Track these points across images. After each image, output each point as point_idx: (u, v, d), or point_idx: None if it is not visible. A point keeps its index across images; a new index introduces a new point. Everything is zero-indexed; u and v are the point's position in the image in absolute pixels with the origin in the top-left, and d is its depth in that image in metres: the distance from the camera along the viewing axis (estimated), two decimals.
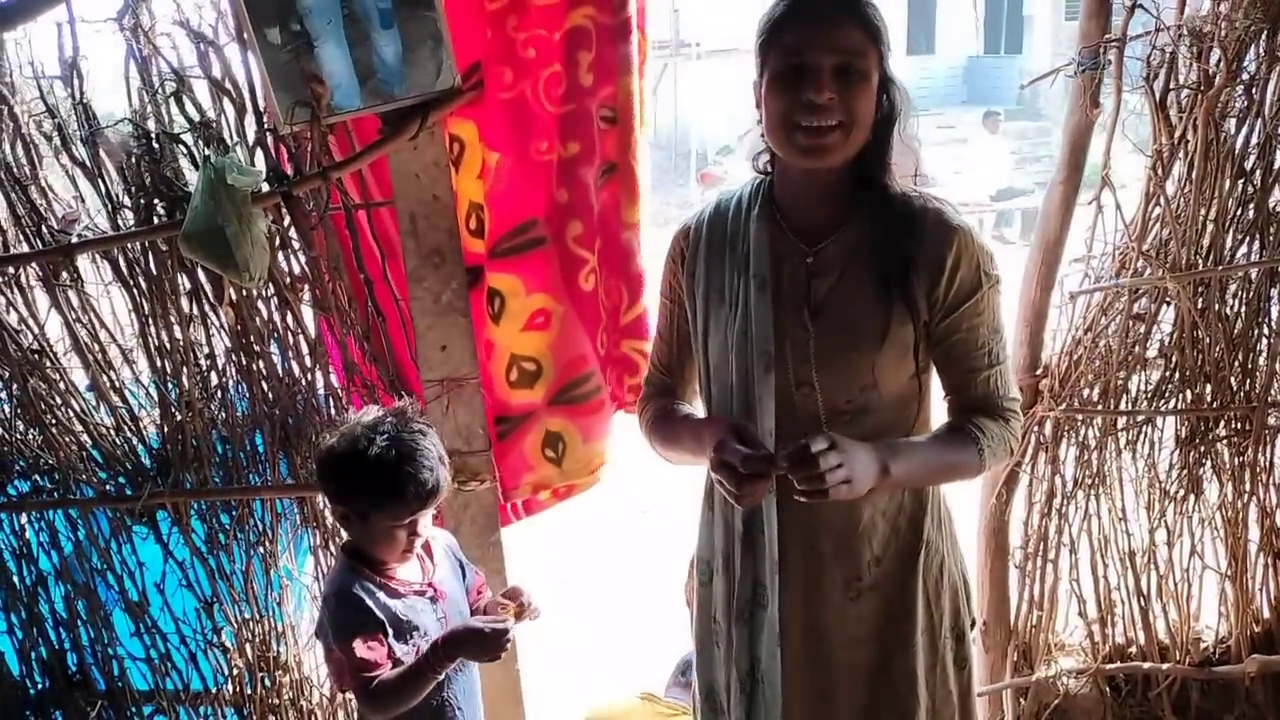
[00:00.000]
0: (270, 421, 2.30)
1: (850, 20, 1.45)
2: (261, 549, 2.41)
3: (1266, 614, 2.68)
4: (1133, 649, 2.68)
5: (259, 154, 2.06)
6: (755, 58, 1.53)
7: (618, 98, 2.12)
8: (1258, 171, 2.32)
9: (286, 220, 2.10)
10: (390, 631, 1.76)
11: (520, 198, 2.15)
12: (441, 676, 1.75)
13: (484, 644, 1.74)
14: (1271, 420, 2.52)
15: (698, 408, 1.80)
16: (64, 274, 2.19)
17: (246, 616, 2.45)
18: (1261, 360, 2.46)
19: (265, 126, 2.04)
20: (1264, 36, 2.19)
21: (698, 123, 16.20)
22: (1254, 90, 2.24)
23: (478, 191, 2.13)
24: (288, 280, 2.16)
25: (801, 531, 1.62)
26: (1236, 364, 2.46)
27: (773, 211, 1.62)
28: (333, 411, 2.28)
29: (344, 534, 2.30)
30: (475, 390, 2.15)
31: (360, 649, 1.71)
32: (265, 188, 2.00)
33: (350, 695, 2.01)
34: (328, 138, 2.01)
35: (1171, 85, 2.25)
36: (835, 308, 1.56)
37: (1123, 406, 2.49)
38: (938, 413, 1.68)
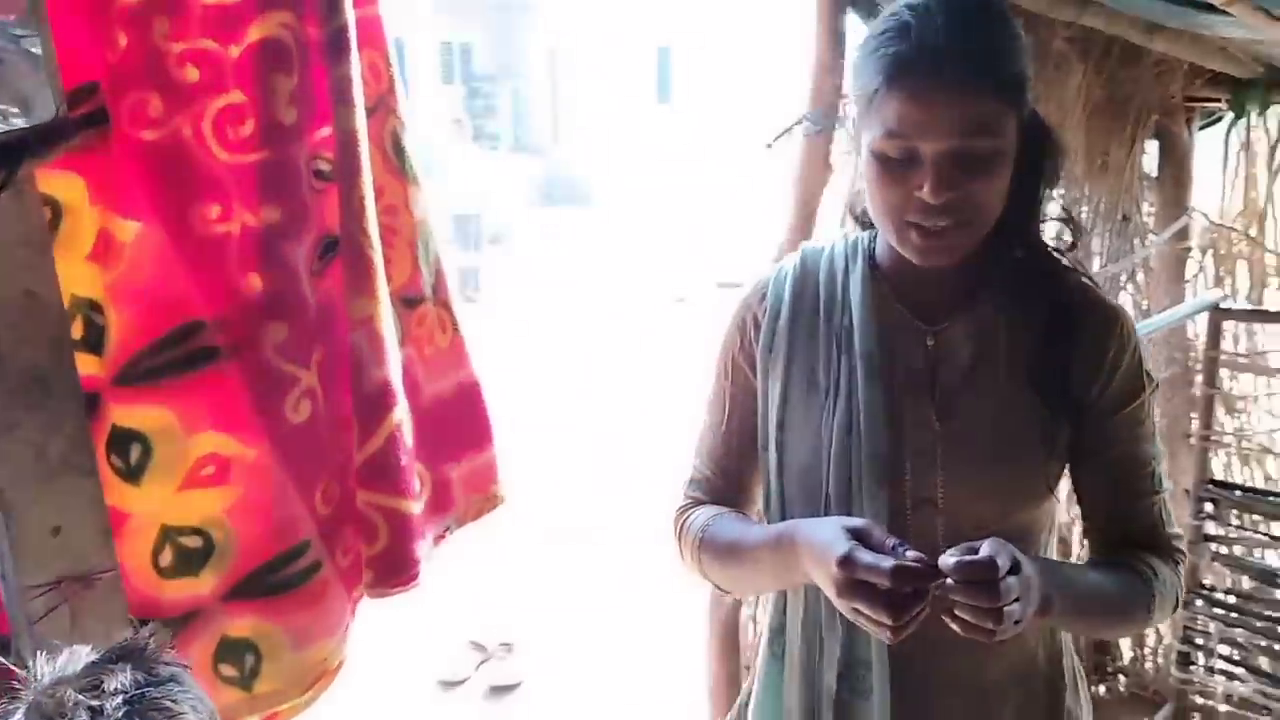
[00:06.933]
0: None
1: (980, 86, 1.10)
2: None
3: None
4: None
5: None
6: (853, 93, 1.22)
7: (335, 142, 1.47)
8: None
9: None
10: None
11: (175, 290, 1.43)
12: None
13: None
14: None
15: None
16: None
17: None
18: None
19: None
20: None
21: None
22: None
23: (89, 282, 1.39)
24: None
25: (916, 698, 1.26)
26: None
27: (877, 277, 1.31)
28: None
29: None
30: (114, 588, 1.39)
31: None
32: None
33: None
34: None
35: None
36: (970, 404, 1.25)
37: None
38: None
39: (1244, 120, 2.86)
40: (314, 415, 1.55)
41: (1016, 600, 1.03)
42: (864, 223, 1.36)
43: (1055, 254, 1.30)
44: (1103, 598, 1.25)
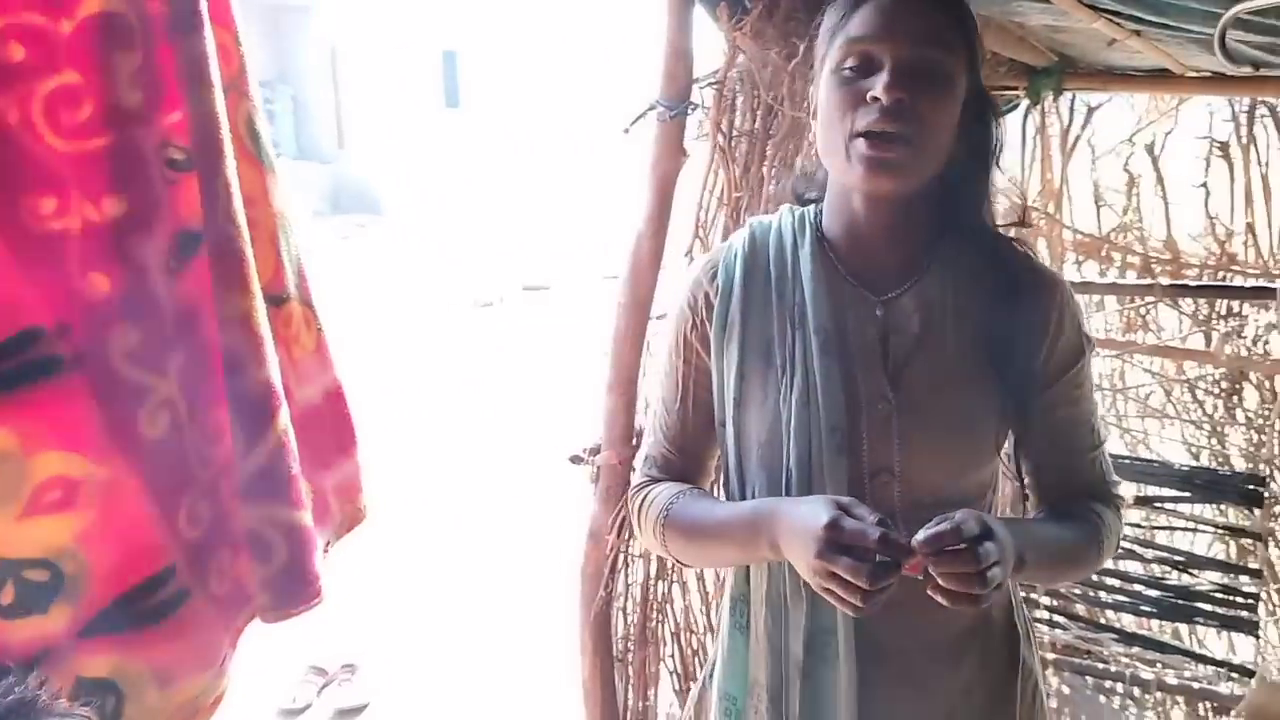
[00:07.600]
0: None
1: (939, 9, 1.20)
2: None
3: None
4: None
5: None
6: (820, 42, 1.26)
7: (190, 127, 1.35)
8: None
9: None
10: None
11: (8, 294, 1.27)
12: None
13: None
14: None
15: None
16: None
17: None
18: None
19: None
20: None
21: None
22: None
23: None
24: None
25: (880, 661, 1.29)
26: None
27: (825, 249, 1.33)
28: None
29: None
30: None
31: None
32: None
33: None
34: None
35: (734, 133, 2.07)
36: (922, 374, 1.28)
37: None
38: None
39: (1039, 106, 3.08)
40: (174, 428, 1.42)
41: (996, 564, 1.07)
42: (804, 200, 1.40)
43: (996, 226, 1.37)
44: (1063, 547, 1.31)
